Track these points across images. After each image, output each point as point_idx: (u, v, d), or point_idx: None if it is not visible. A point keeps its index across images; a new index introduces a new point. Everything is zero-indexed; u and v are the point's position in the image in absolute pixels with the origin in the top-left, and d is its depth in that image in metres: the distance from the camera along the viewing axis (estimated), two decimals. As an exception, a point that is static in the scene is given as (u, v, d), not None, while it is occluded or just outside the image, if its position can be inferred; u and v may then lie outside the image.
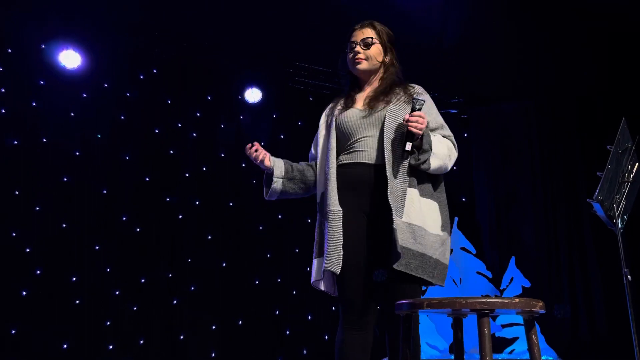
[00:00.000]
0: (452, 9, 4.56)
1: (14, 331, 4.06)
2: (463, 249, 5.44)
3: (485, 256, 5.58)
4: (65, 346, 4.19)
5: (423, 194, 2.02)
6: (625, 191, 2.79)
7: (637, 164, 2.88)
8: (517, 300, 1.56)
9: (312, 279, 2.09)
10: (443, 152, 2.03)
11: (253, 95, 5.29)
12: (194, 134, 5.09)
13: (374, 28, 2.17)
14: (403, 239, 1.91)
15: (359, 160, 2.07)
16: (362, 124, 2.09)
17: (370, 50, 2.14)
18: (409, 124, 1.92)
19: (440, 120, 2.13)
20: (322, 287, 2.09)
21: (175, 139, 4.99)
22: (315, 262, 2.10)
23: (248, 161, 5.33)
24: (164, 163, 4.90)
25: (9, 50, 4.43)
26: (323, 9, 4.49)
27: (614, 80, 5.19)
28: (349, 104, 2.17)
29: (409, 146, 1.94)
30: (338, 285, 2.04)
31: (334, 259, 1.96)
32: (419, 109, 1.96)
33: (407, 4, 4.36)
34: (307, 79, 5.42)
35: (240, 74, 5.27)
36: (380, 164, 2.03)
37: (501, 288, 5.28)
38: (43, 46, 4.52)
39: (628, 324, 2.64)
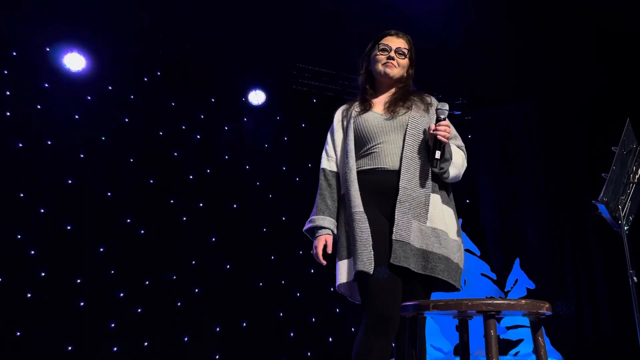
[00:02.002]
0: (454, 11, 4.56)
1: (18, 333, 4.07)
2: (467, 250, 5.43)
3: (490, 258, 5.56)
4: (69, 348, 4.20)
5: (444, 201, 2.08)
6: (630, 192, 2.78)
7: (642, 165, 2.86)
8: (523, 301, 1.55)
9: (342, 281, 2.01)
10: (459, 161, 2.12)
11: (256, 97, 5.29)
12: (198, 136, 5.10)
13: (409, 41, 2.23)
14: (428, 243, 1.97)
15: (379, 166, 2.07)
16: (384, 128, 2.10)
17: (403, 60, 2.20)
18: (438, 132, 1.98)
19: (454, 131, 2.17)
20: (344, 291, 2.09)
21: (179, 141, 5.00)
22: (342, 264, 2.03)
23: (251, 163, 5.41)
24: (168, 165, 4.90)
25: (14, 53, 4.45)
26: (326, 11, 4.49)
27: (615, 80, 5.18)
28: (367, 107, 2.17)
29: (438, 154, 1.99)
30: (364, 288, 1.98)
31: (366, 259, 1.93)
32: (444, 119, 2.01)
33: (410, 6, 4.36)
34: (310, 81, 5.42)
35: (244, 76, 5.28)
36: (399, 170, 2.06)
37: (506, 290, 5.27)
38: (47, 49, 4.53)
39: (634, 326, 2.63)
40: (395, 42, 2.19)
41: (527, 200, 5.72)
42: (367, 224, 1.98)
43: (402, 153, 2.04)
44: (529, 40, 4.93)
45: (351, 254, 1.99)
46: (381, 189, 2.04)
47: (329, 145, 2.22)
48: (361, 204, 2.01)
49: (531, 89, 5.63)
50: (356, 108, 2.19)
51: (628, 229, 2.75)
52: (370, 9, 4.34)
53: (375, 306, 1.95)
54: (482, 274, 5.33)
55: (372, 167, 2.08)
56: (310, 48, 4.99)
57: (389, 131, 2.09)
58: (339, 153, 2.17)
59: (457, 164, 2.10)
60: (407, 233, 1.96)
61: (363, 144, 2.11)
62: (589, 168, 5.34)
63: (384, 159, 2.07)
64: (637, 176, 2.79)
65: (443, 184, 2.11)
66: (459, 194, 6.06)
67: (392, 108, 2.13)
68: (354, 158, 2.10)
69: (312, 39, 4.81)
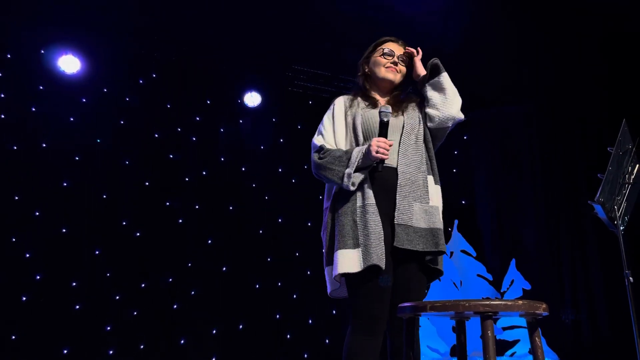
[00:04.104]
0: (453, 12, 4.56)
1: (14, 336, 4.05)
2: (463, 251, 5.43)
3: (486, 259, 5.57)
4: (65, 351, 4.18)
5: (435, 181, 2.15)
6: (626, 193, 2.79)
7: (637, 165, 2.88)
8: (520, 302, 1.55)
9: (347, 270, 1.94)
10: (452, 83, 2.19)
11: (252, 99, 5.29)
12: (194, 138, 5.09)
13: (406, 49, 2.29)
14: (435, 221, 2.05)
15: (384, 164, 2.07)
16: (389, 127, 2.11)
17: (404, 67, 2.27)
18: (377, 153, 2.02)
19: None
20: (339, 280, 2.04)
21: (175, 143, 4.99)
22: (347, 253, 1.96)
23: (248, 165, 5.40)
24: (164, 167, 4.89)
25: (8, 56, 4.44)
26: (322, 13, 4.49)
27: (614, 81, 5.20)
28: (373, 103, 2.20)
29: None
30: (355, 287, 1.99)
31: (380, 253, 1.94)
32: (387, 122, 2.05)
33: (408, 8, 4.36)
34: (306, 83, 5.42)
35: (240, 78, 5.27)
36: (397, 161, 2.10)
37: (502, 290, 5.28)
38: (42, 51, 4.52)
39: (630, 325, 2.64)
40: (398, 49, 2.26)
41: (525, 200, 5.73)
42: (379, 218, 1.99)
43: (399, 148, 2.10)
44: (528, 41, 4.94)
45: (359, 245, 1.97)
46: (384, 184, 2.06)
47: (326, 132, 2.18)
48: (374, 196, 2.02)
49: (530, 90, 5.65)
50: (361, 103, 2.21)
51: (624, 229, 2.76)
52: (367, 11, 4.34)
53: (363, 306, 1.97)
54: (478, 275, 5.34)
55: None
56: (307, 50, 4.99)
57: (392, 131, 2.12)
58: (340, 143, 2.15)
59: (451, 83, 2.20)
60: (408, 216, 2.00)
61: (366, 138, 2.13)
62: (587, 169, 5.36)
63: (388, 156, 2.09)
64: (632, 177, 2.80)
65: (432, 167, 2.16)
66: (455, 194, 6.12)
67: (395, 108, 2.18)
68: None
69: (308, 40, 4.81)
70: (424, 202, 2.05)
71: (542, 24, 4.71)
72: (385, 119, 2.05)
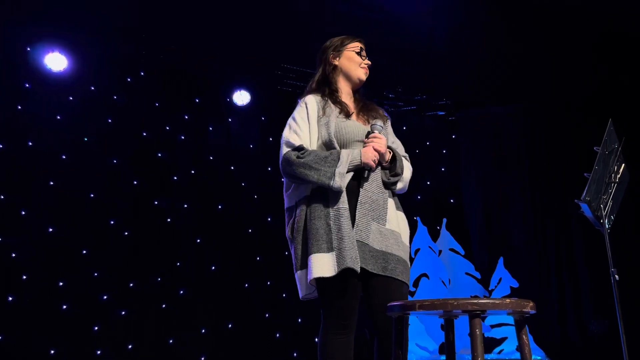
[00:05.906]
0: (441, 12, 4.58)
1: (0, 337, 4.00)
2: (452, 250, 5.46)
3: (474, 257, 5.61)
4: (52, 352, 4.14)
5: (397, 207, 2.13)
6: (612, 192, 2.82)
7: (623, 164, 2.91)
8: (508, 301, 1.56)
9: (321, 274, 1.94)
10: (407, 176, 2.18)
11: (241, 97, 5.27)
12: (182, 137, 5.07)
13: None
14: (388, 245, 2.01)
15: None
16: (358, 136, 2.11)
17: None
18: (373, 144, 2.04)
19: (397, 140, 2.24)
20: (314, 284, 2.05)
21: (164, 142, 4.96)
22: (322, 257, 1.96)
23: (237, 164, 5.37)
24: (152, 166, 4.86)
25: (-6, 53, 4.39)
26: (311, 12, 4.49)
27: (600, 81, 5.25)
28: (347, 112, 2.16)
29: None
30: (326, 287, 2.00)
31: (354, 257, 1.93)
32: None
33: (397, 8, 4.38)
34: (295, 81, 5.41)
35: (229, 76, 5.25)
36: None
37: (490, 288, 5.32)
38: (28, 49, 4.47)
39: (616, 322, 2.67)
40: (363, 48, 2.26)
41: (512, 199, 5.78)
42: (350, 222, 1.98)
43: None
44: (518, 41, 4.97)
45: (333, 248, 1.96)
46: (352, 191, 2.04)
47: (303, 132, 2.11)
48: (347, 201, 2.01)
49: (519, 91, 5.69)
50: (334, 110, 2.15)
51: (610, 228, 2.79)
52: (357, 10, 4.35)
53: (335, 307, 1.99)
54: (467, 273, 5.37)
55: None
56: (296, 48, 4.98)
57: (361, 140, 2.11)
58: (313, 147, 2.10)
59: (406, 178, 2.16)
60: (366, 234, 1.99)
61: (334, 146, 2.08)
62: (575, 168, 5.40)
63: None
64: (618, 176, 2.83)
65: (394, 193, 2.17)
66: (444, 193, 6.13)
67: (363, 116, 2.18)
68: None
69: (297, 39, 4.80)
70: (380, 223, 2.02)
71: (532, 25, 4.75)
72: (376, 131, 2.08)
